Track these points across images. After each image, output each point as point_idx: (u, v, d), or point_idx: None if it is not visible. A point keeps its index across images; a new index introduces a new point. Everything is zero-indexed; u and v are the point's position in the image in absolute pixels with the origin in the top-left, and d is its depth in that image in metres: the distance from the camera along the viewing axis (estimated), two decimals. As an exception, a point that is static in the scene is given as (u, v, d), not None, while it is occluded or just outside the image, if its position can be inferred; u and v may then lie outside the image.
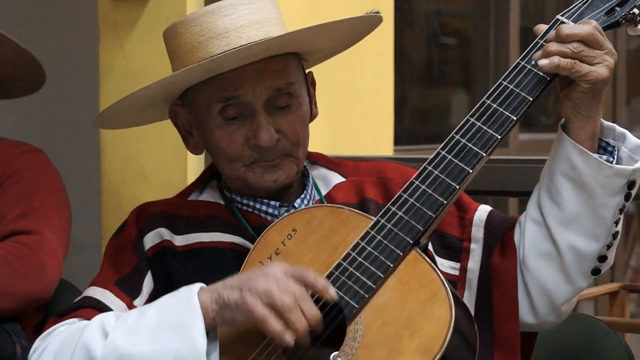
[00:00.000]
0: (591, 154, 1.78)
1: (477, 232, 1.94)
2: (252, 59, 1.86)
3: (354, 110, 3.28)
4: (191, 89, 1.93)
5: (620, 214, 1.82)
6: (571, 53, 1.73)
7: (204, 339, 1.69)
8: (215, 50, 1.87)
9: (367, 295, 1.69)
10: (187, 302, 1.72)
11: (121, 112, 1.98)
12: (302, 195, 1.97)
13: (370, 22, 1.98)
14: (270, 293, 1.64)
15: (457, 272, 1.93)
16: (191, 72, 1.85)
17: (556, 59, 1.73)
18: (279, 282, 1.65)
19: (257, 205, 1.95)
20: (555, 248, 1.83)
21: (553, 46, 1.74)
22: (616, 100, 6.72)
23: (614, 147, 1.83)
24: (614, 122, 1.86)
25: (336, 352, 1.67)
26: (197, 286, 1.74)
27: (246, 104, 1.88)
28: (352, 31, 2.00)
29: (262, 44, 1.82)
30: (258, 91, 1.88)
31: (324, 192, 1.99)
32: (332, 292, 1.67)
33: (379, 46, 3.29)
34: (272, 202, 1.94)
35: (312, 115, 2.00)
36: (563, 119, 1.83)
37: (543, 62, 1.74)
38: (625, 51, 6.57)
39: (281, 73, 1.90)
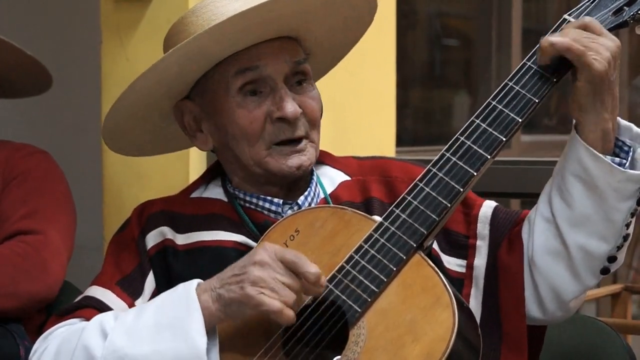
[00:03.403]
0: (604, 157, 1.75)
1: (483, 228, 1.92)
2: (263, 25, 1.84)
3: (356, 111, 3.26)
4: (203, 77, 1.91)
5: (632, 217, 1.80)
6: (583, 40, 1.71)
7: (203, 337, 1.68)
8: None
9: (369, 300, 1.68)
10: (186, 301, 1.71)
11: (131, 109, 1.95)
12: (306, 193, 1.96)
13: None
14: (265, 282, 1.66)
15: (463, 270, 1.92)
16: (203, 38, 1.82)
17: (568, 40, 1.70)
18: (272, 270, 1.67)
19: (261, 203, 1.94)
20: (565, 247, 1.82)
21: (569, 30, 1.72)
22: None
23: (630, 147, 1.80)
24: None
25: (338, 357, 1.66)
26: (194, 283, 1.74)
27: (266, 77, 1.88)
28: (347, 8, 1.96)
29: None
30: (278, 64, 1.88)
31: (329, 191, 1.98)
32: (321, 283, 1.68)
33: (381, 47, 3.27)
34: (276, 200, 1.93)
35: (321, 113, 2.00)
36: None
37: (555, 39, 1.71)
38: (626, 51, 6.57)
39: (296, 50, 1.92)
